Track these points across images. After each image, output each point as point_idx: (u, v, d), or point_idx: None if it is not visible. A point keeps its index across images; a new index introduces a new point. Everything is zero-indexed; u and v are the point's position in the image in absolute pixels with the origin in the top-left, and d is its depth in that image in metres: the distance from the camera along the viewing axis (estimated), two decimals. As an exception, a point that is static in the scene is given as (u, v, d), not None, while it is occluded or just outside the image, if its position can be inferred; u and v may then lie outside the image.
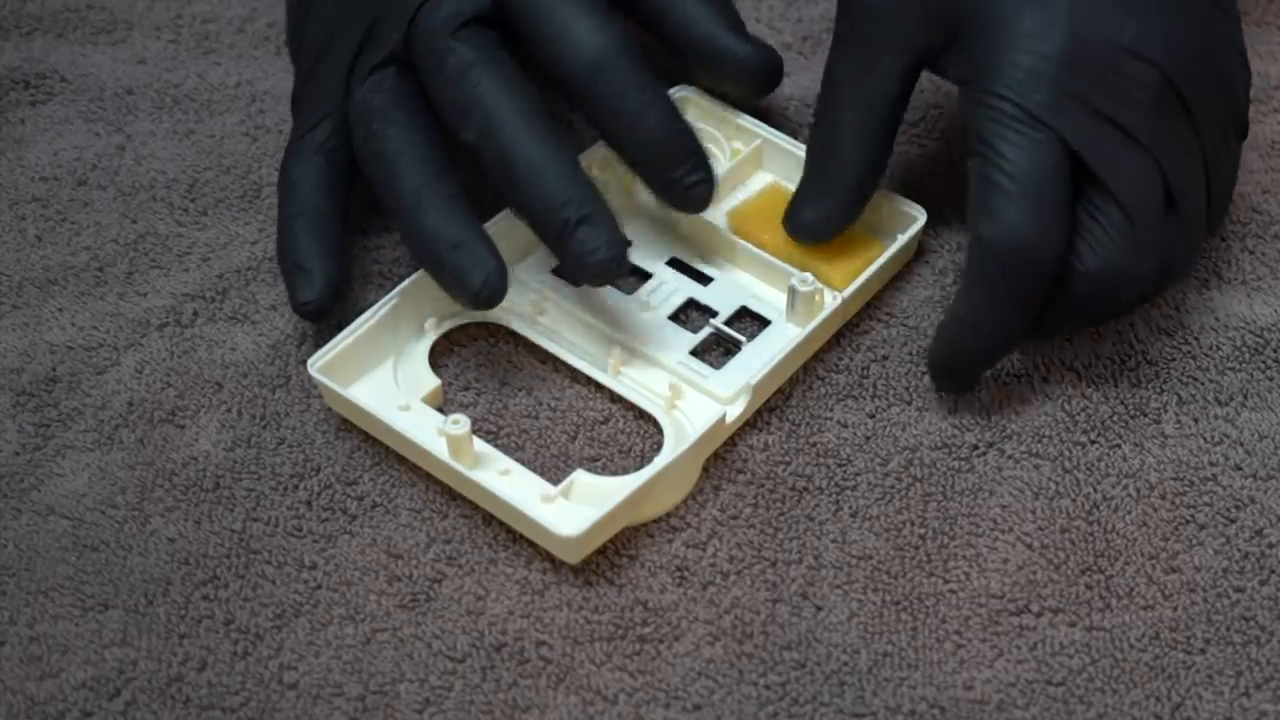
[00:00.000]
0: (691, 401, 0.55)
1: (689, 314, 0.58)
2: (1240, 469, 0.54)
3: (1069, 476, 0.54)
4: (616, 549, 0.52)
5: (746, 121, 0.61)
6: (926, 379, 0.56)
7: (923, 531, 0.52)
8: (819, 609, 0.51)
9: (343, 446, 0.54)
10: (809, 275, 0.56)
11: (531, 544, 0.52)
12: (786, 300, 0.56)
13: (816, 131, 0.56)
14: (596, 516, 0.50)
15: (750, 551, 0.52)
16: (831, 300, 0.56)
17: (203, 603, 0.51)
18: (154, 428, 0.55)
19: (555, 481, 0.53)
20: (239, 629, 0.51)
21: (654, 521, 0.53)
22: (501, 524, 0.53)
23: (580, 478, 0.53)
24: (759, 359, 0.55)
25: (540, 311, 0.57)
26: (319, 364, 0.54)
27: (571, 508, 0.52)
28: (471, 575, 0.52)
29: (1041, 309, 0.53)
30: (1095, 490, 0.53)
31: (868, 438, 0.55)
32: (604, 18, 0.55)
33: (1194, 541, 0.52)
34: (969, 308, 0.53)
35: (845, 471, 0.54)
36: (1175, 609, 0.51)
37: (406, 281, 0.56)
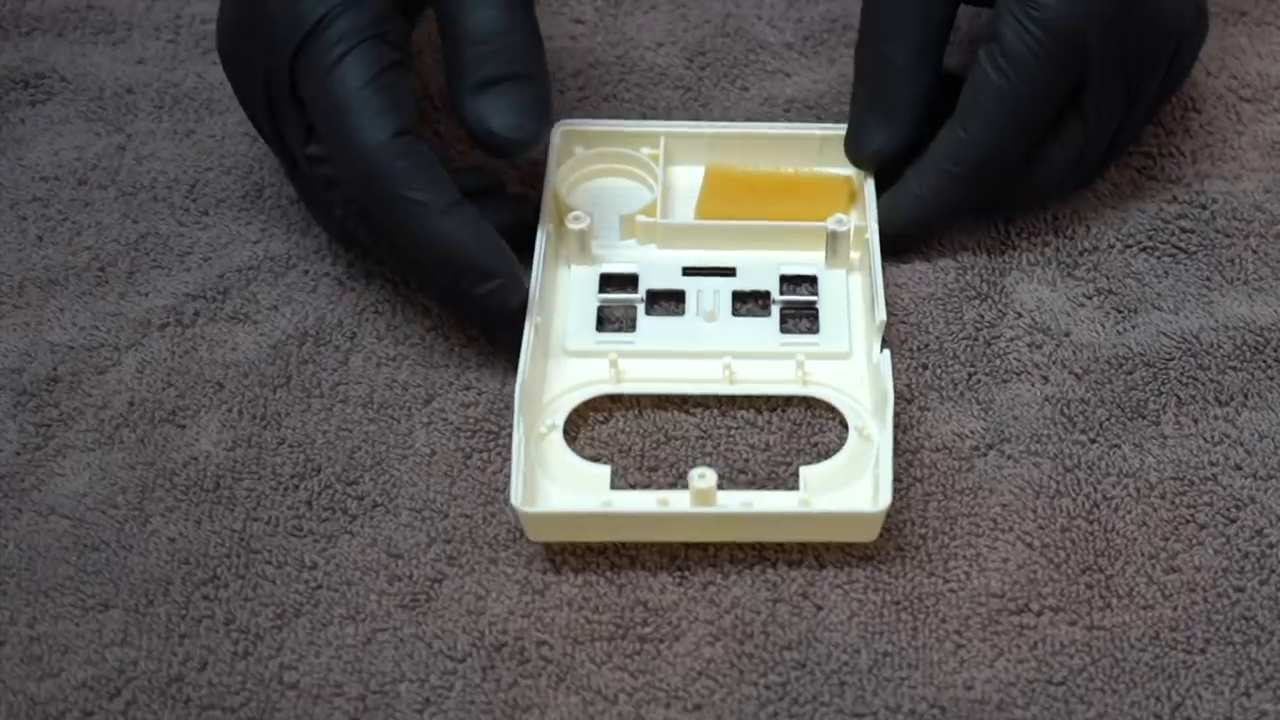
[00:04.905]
0: (819, 367, 0.55)
1: (743, 305, 0.57)
2: (1240, 469, 0.54)
3: (1069, 476, 0.54)
4: (616, 549, 0.52)
5: (637, 125, 0.61)
6: (928, 375, 0.56)
7: (923, 531, 0.52)
8: (819, 609, 0.51)
9: (343, 446, 0.54)
10: (840, 215, 0.57)
11: (531, 543, 0.52)
12: (826, 246, 0.57)
13: (868, 56, 0.58)
14: (885, 482, 0.51)
15: (751, 551, 0.52)
16: (862, 227, 0.57)
17: (203, 602, 0.51)
18: (155, 427, 0.55)
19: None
20: (239, 629, 0.51)
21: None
22: (503, 523, 0.52)
23: (807, 472, 0.52)
24: (840, 305, 0.56)
25: (620, 372, 0.55)
26: (520, 500, 0.50)
27: (834, 496, 0.52)
28: (472, 575, 0.52)
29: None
30: (1095, 490, 0.53)
31: (868, 437, 0.55)
32: (386, 118, 0.52)
33: (1194, 541, 0.52)
34: (932, 192, 0.57)
35: (846, 471, 0.54)
36: (1175, 609, 0.51)
37: (519, 386, 0.53)
